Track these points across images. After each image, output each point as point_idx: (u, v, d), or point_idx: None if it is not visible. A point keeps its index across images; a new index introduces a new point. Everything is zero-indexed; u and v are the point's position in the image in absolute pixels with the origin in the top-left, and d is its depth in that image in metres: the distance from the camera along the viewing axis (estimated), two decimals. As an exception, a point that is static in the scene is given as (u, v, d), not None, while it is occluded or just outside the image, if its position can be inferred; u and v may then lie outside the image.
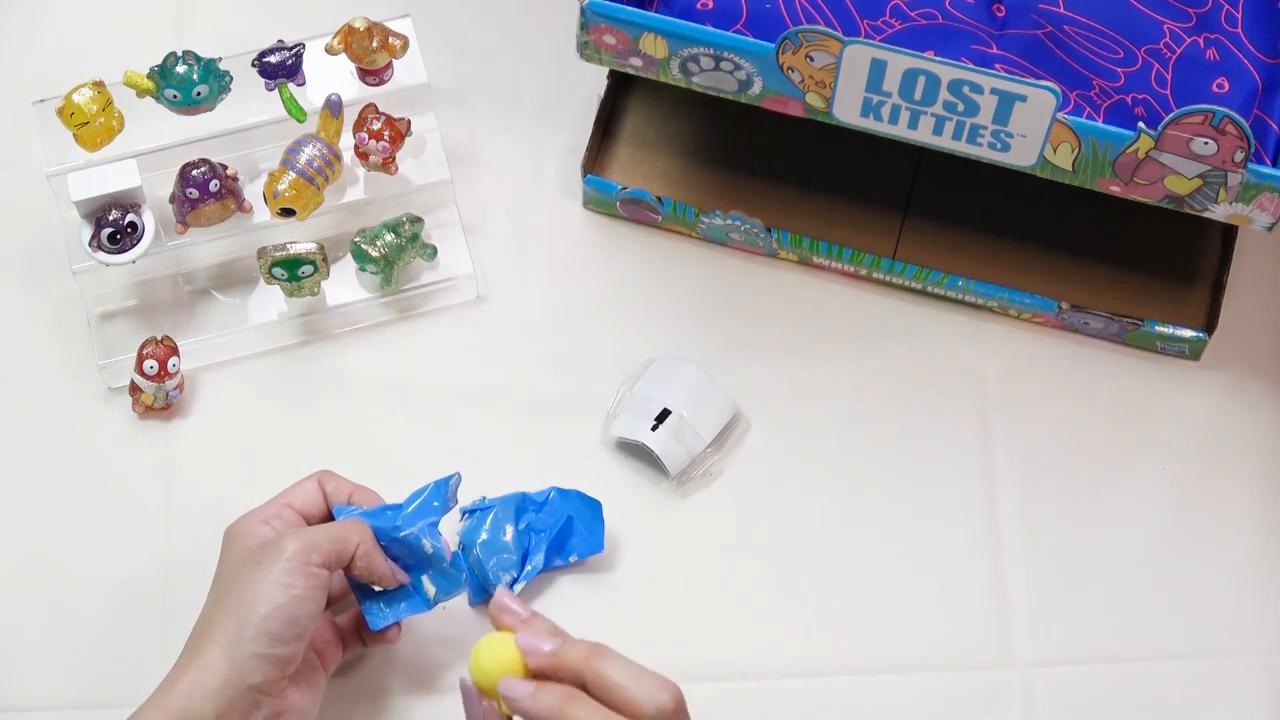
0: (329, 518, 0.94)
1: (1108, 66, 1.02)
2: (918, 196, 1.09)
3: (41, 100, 1.03)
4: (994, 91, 0.91)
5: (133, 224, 1.01)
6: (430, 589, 0.93)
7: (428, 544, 0.92)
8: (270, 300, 1.06)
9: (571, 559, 1.00)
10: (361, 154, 1.04)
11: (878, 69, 0.91)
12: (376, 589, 0.92)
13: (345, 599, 0.95)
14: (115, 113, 1.02)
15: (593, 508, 1.00)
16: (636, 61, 0.96)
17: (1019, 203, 1.07)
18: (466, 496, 0.98)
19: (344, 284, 1.06)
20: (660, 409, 1.01)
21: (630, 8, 0.94)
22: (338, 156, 1.03)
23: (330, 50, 1.03)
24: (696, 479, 1.02)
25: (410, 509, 0.92)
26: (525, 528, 0.98)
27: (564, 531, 0.99)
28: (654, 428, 1.01)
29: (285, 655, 0.86)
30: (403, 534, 0.91)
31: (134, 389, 1.03)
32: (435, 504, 0.93)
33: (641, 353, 1.05)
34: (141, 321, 1.06)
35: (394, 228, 1.04)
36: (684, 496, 1.02)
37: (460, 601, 0.98)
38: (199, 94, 1.02)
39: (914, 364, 1.06)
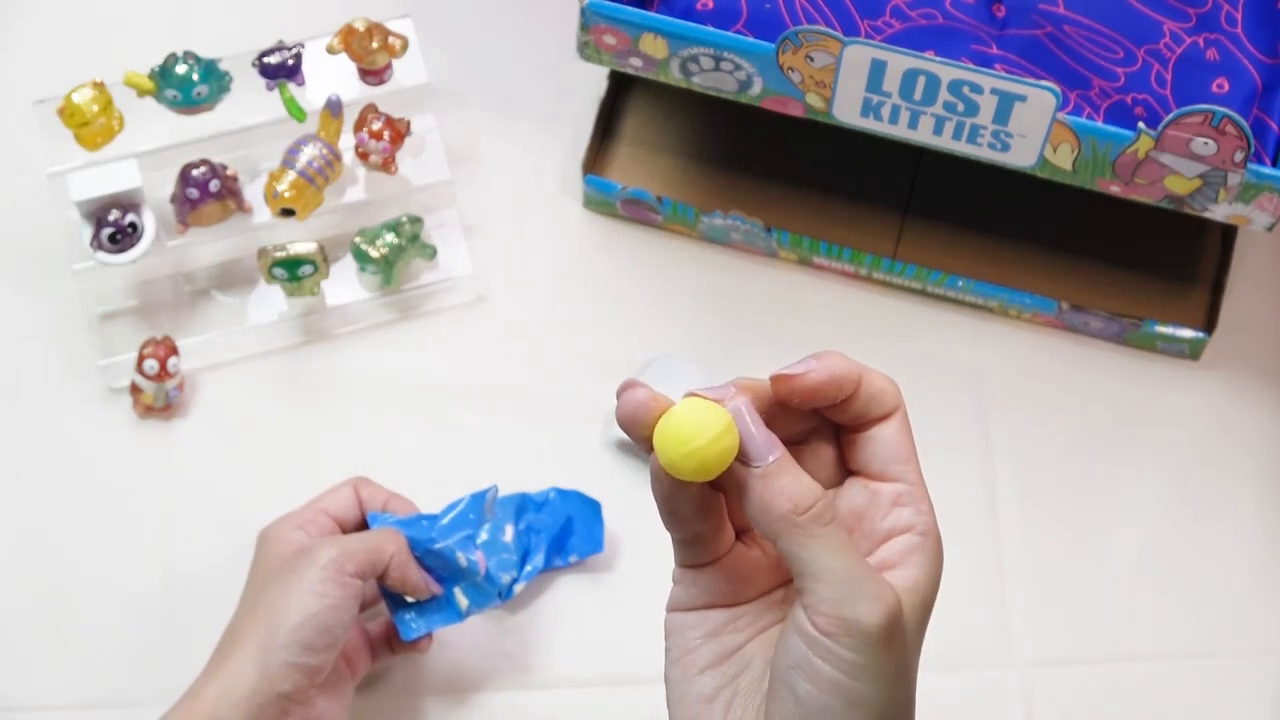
0: (363, 524, 0.94)
1: (1108, 66, 1.02)
2: (918, 196, 1.09)
3: (41, 100, 1.03)
4: (994, 91, 0.91)
5: (133, 224, 1.01)
6: (463, 601, 0.92)
7: (462, 557, 0.92)
8: (270, 300, 1.06)
9: (571, 559, 1.00)
10: (361, 154, 1.04)
11: (878, 69, 0.91)
12: (408, 599, 0.92)
13: (375, 606, 0.95)
14: (115, 113, 1.02)
15: (593, 508, 1.00)
16: (636, 61, 0.96)
17: (1019, 203, 1.07)
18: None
19: (344, 284, 1.06)
20: (661, 409, 1.01)
21: (630, 8, 0.94)
22: (338, 156, 1.03)
23: (330, 50, 1.03)
24: (696, 479, 1.02)
25: (446, 520, 0.92)
26: (525, 528, 0.98)
27: (564, 531, 0.99)
28: (654, 428, 1.00)
29: (316, 664, 0.86)
30: (438, 546, 0.91)
31: (134, 389, 1.03)
32: (471, 517, 0.93)
33: (642, 352, 1.05)
34: (142, 321, 1.06)
35: (394, 228, 1.04)
36: (684, 496, 1.02)
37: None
38: (199, 94, 1.02)
39: (914, 364, 1.06)
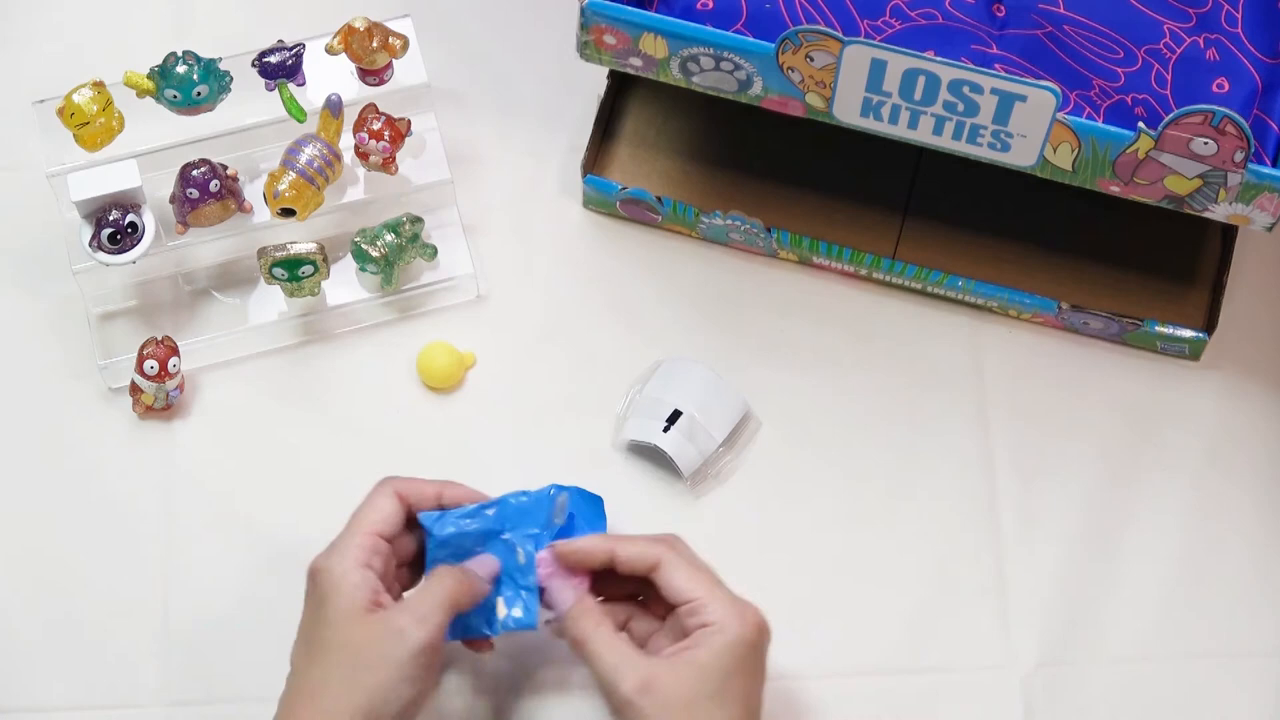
0: (410, 526, 0.91)
1: (1108, 66, 1.03)
2: (918, 196, 1.09)
3: (41, 100, 1.03)
4: (994, 91, 0.91)
5: (133, 224, 1.01)
6: (502, 610, 0.91)
7: (521, 553, 0.90)
8: (270, 300, 1.06)
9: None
10: (361, 154, 1.04)
11: (878, 69, 0.91)
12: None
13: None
14: (115, 113, 1.02)
15: (594, 504, 0.99)
16: (636, 61, 0.96)
17: (1019, 203, 1.07)
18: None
19: (344, 284, 1.06)
20: (671, 410, 1.01)
21: (630, 8, 0.94)
22: (338, 156, 1.03)
23: (330, 50, 1.03)
24: (709, 479, 1.02)
25: (517, 504, 0.91)
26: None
27: (566, 530, 0.99)
28: (665, 429, 1.00)
29: None
30: (506, 535, 0.90)
31: (134, 389, 1.03)
32: (540, 515, 0.91)
33: (641, 352, 1.05)
34: (142, 321, 1.06)
35: (394, 228, 1.04)
36: (697, 497, 1.02)
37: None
38: (199, 94, 1.02)
39: (914, 364, 1.06)
